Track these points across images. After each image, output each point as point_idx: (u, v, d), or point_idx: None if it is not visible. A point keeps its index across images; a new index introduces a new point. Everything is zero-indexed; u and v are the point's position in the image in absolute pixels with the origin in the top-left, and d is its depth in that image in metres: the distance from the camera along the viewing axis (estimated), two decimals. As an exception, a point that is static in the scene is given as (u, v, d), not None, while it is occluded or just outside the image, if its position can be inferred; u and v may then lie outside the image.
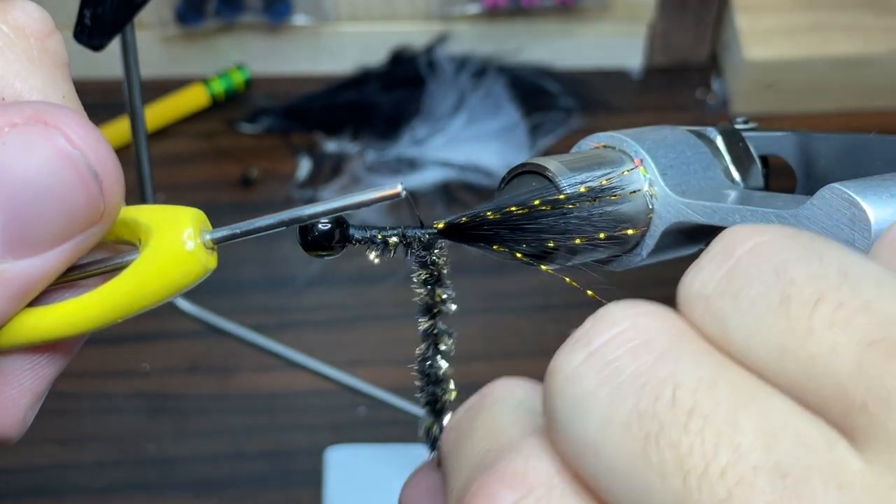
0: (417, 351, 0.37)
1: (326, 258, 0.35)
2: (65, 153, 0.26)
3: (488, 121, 1.19)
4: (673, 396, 0.23)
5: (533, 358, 1.01)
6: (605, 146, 0.39)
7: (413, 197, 1.14)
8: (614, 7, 1.24)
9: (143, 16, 0.59)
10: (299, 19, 1.22)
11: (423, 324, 0.37)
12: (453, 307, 0.37)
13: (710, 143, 0.40)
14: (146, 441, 0.98)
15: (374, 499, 0.91)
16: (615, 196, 0.36)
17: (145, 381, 1.02)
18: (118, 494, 0.96)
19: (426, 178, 1.16)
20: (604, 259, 0.39)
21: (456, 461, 0.28)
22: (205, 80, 1.22)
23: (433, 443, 0.37)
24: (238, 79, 1.23)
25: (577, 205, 0.35)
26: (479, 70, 1.22)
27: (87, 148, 0.26)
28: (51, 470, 0.96)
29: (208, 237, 0.30)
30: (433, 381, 0.37)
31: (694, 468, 0.22)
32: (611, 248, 0.38)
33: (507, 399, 0.28)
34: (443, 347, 0.37)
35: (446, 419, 0.37)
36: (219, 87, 1.22)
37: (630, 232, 0.37)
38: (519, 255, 0.36)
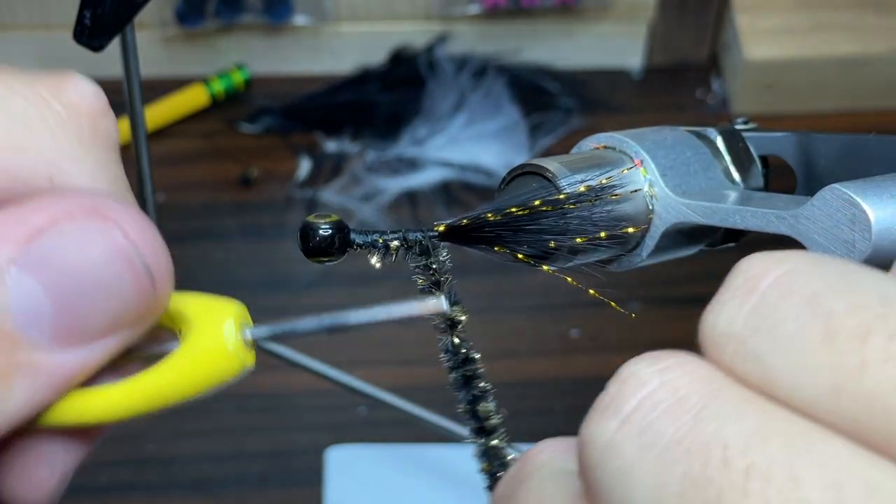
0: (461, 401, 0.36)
1: (328, 263, 0.35)
2: (121, 249, 0.26)
3: (488, 121, 1.19)
4: (724, 458, 0.21)
5: (533, 358, 1.02)
6: (605, 147, 0.39)
7: (413, 197, 1.15)
8: (614, 7, 1.24)
9: (143, 16, 0.59)
10: (299, 19, 1.22)
11: (454, 374, 0.36)
12: (477, 355, 0.36)
13: (711, 143, 0.40)
14: (146, 441, 0.98)
15: (374, 499, 0.91)
16: (615, 195, 0.36)
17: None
18: (118, 494, 0.96)
19: (426, 178, 1.16)
20: (604, 260, 0.39)
21: None
22: (205, 80, 1.22)
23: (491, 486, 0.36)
24: (238, 79, 1.23)
25: (577, 204, 0.35)
26: (479, 70, 1.22)
27: (143, 244, 0.26)
28: (51, 470, 0.96)
29: (249, 335, 0.29)
30: (487, 431, 0.36)
31: None
32: (611, 248, 0.38)
33: (546, 466, 0.27)
34: (481, 387, 0.36)
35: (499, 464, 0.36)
36: (219, 87, 1.22)
37: (631, 230, 0.37)
38: (520, 255, 0.36)
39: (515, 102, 1.20)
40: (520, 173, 0.37)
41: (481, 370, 0.36)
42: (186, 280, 0.29)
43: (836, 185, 0.33)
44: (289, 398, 1.01)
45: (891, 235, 0.32)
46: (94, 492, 0.96)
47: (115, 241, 0.26)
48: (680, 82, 1.27)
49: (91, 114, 0.28)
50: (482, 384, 0.36)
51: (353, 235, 0.35)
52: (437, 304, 0.30)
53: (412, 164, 1.17)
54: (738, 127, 0.42)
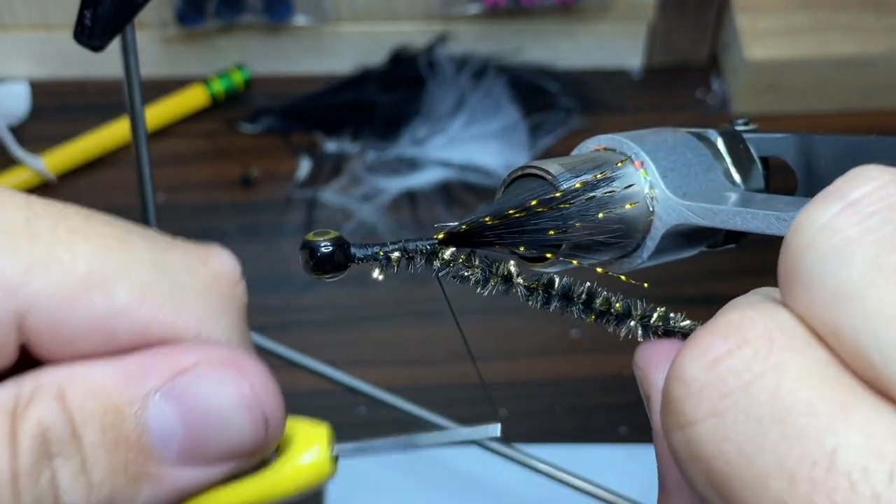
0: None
1: (331, 280, 0.36)
2: (247, 399, 0.32)
3: (488, 121, 1.19)
4: None
5: (533, 358, 1.02)
6: (605, 148, 0.39)
7: (413, 197, 1.15)
8: (614, 7, 1.24)
9: (143, 16, 0.59)
10: (299, 19, 1.22)
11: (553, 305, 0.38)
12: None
13: (711, 145, 0.40)
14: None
15: (374, 499, 0.91)
16: (611, 191, 0.36)
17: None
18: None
19: (426, 178, 1.16)
20: (605, 261, 0.39)
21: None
22: (205, 80, 1.22)
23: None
24: (238, 79, 1.23)
25: (574, 201, 0.35)
26: (479, 70, 1.22)
27: (266, 398, 0.33)
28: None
29: (335, 452, 0.37)
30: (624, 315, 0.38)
31: None
32: (612, 249, 0.38)
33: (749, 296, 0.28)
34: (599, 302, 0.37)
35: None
36: (219, 87, 1.22)
37: (628, 206, 0.37)
38: (520, 257, 0.36)
39: (515, 102, 1.20)
40: (520, 175, 0.37)
41: (573, 286, 0.38)
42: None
43: (837, 187, 0.33)
44: (289, 398, 1.01)
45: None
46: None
47: (243, 391, 0.32)
48: (680, 82, 1.27)
49: (230, 282, 0.33)
50: (580, 290, 0.38)
51: (353, 250, 0.36)
52: (493, 430, 0.35)
53: (412, 164, 1.17)
54: (738, 128, 0.42)
